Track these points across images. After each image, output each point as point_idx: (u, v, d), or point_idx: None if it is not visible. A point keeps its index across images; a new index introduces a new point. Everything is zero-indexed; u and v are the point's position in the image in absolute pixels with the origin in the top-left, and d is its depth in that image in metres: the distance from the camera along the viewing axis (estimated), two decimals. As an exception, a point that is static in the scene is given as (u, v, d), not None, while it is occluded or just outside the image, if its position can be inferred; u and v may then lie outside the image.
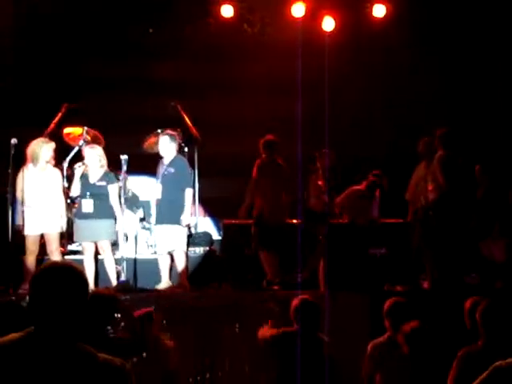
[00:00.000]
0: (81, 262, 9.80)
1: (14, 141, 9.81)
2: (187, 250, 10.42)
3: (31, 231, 9.80)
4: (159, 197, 10.20)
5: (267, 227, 10.58)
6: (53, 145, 10.00)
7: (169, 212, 10.14)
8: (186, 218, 10.15)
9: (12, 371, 3.25)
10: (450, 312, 8.10)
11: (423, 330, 6.48)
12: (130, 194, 10.66)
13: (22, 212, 9.78)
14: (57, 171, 10.03)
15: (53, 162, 9.99)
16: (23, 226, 9.83)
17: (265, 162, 10.77)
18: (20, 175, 9.81)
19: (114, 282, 10.00)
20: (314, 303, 7.18)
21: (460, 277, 10.05)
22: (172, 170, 10.23)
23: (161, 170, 10.30)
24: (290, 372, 6.78)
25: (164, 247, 10.21)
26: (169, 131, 10.51)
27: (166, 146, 10.26)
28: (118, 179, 10.22)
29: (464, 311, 6.30)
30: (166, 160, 10.30)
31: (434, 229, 10.10)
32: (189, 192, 10.25)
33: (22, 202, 9.79)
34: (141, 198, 11.15)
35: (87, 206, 10.02)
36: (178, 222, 10.12)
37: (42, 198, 9.83)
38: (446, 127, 10.38)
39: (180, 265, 10.19)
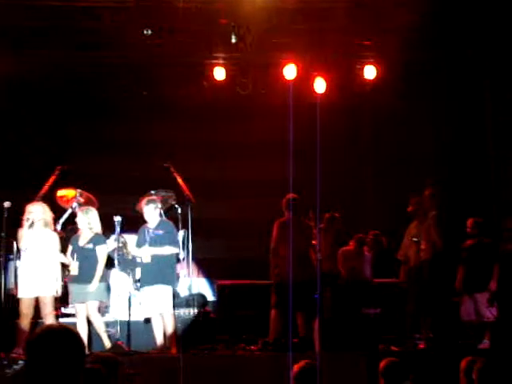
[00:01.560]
0: (74, 324, 9.74)
1: (7, 204, 9.81)
2: (176, 310, 10.40)
3: (25, 294, 9.75)
4: (149, 260, 10.22)
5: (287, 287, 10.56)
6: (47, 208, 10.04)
7: (156, 273, 10.16)
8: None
9: None
10: (446, 372, 8.06)
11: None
12: (129, 257, 10.66)
13: (16, 275, 9.74)
14: (54, 234, 10.01)
15: (52, 225, 10.02)
16: (17, 289, 9.78)
17: (288, 221, 10.77)
18: (18, 236, 9.83)
19: (107, 343, 9.94)
20: (313, 368, 7.12)
21: (455, 336, 10.02)
22: (160, 231, 10.30)
23: (146, 233, 10.34)
24: None
25: (154, 309, 10.18)
26: (151, 197, 10.55)
27: (151, 213, 10.37)
28: (106, 242, 10.22)
29: (460, 371, 6.27)
30: (152, 224, 10.37)
31: (428, 288, 10.10)
32: (173, 250, 10.31)
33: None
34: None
35: (74, 268, 10.03)
36: (165, 282, 10.14)
37: (37, 260, 9.81)
38: (434, 185, 10.47)
39: (169, 326, 10.15)
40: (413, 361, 8.69)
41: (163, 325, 10.19)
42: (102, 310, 10.52)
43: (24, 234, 9.82)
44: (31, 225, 9.83)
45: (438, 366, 8.92)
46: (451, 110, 13.10)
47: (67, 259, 10.08)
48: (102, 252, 10.07)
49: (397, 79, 12.63)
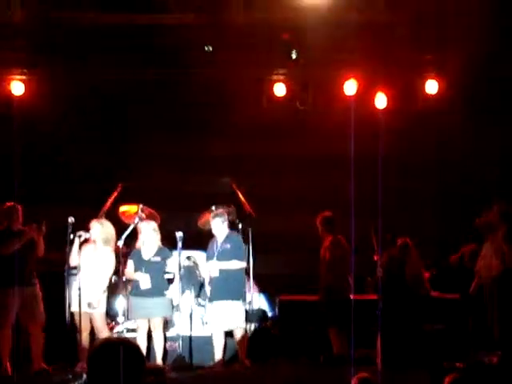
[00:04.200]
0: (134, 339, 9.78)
1: (71, 219, 9.95)
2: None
3: (78, 308, 9.82)
4: (217, 274, 10.23)
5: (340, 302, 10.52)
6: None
7: (226, 288, 10.16)
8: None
9: None
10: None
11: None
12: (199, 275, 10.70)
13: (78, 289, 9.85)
14: (111, 253, 10.10)
15: (113, 242, 10.14)
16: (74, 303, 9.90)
17: (333, 240, 10.74)
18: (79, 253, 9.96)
19: (160, 361, 9.97)
20: (372, 381, 7.05)
21: None
22: (228, 245, 10.32)
23: (215, 247, 10.36)
24: None
25: (222, 324, 10.18)
26: (218, 211, 10.58)
27: (219, 226, 10.41)
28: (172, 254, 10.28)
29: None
30: (220, 238, 10.39)
31: (499, 305, 9.95)
32: (240, 264, 10.29)
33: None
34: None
35: (145, 282, 10.07)
36: (235, 297, 10.14)
37: (91, 276, 9.91)
38: (503, 201, 10.32)
39: (240, 342, 10.15)
40: (480, 377, 8.57)
41: (235, 340, 10.19)
42: (165, 325, 10.54)
43: (82, 250, 9.96)
44: (88, 241, 9.98)
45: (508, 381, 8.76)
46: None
47: (134, 275, 10.17)
48: (171, 265, 10.15)
49: (461, 95, 12.50)
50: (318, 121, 12.86)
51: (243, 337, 10.19)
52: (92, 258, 10.00)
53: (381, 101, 12.42)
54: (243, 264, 10.42)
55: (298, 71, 12.50)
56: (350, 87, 12.31)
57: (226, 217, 10.57)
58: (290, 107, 12.90)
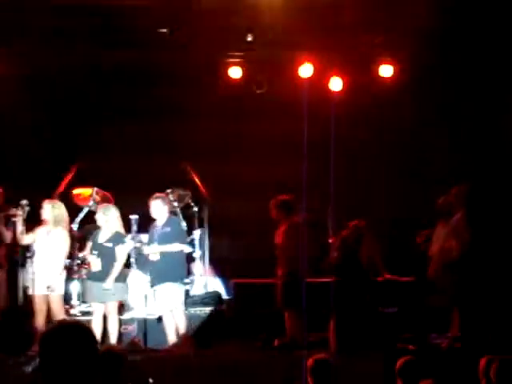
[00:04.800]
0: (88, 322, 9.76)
1: (24, 201, 9.87)
2: (192, 309, 10.41)
3: (35, 291, 9.78)
4: (158, 257, 10.21)
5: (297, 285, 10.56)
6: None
7: (166, 270, 10.15)
8: None
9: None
10: (465, 371, 8.02)
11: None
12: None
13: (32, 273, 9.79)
14: (64, 232, 10.03)
15: (65, 224, 10.06)
16: (30, 286, 9.84)
17: (290, 223, 10.75)
18: (31, 235, 9.90)
19: (113, 342, 9.97)
20: (328, 361, 7.12)
21: (486, 335, 9.94)
22: (168, 229, 10.28)
23: (155, 231, 10.33)
24: None
25: (164, 307, 10.19)
26: (158, 194, 10.52)
27: (159, 209, 10.32)
28: (126, 241, 10.23)
29: (479, 370, 6.24)
30: (160, 221, 10.35)
31: (458, 286, 10.07)
32: (181, 247, 10.32)
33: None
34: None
35: (96, 265, 10.06)
36: (176, 280, 10.14)
37: (46, 258, 9.85)
38: (463, 184, 10.44)
39: (180, 324, 10.16)
40: (434, 360, 8.68)
41: (175, 323, 10.19)
42: (120, 308, 10.52)
43: (36, 232, 9.91)
44: (42, 224, 9.93)
45: (462, 365, 8.86)
46: (468, 110, 13.02)
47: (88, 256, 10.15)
48: (121, 251, 10.09)
49: (413, 78, 12.58)
50: (274, 104, 12.88)
51: (182, 320, 10.17)
52: (45, 239, 9.94)
53: (336, 84, 12.48)
54: (184, 247, 10.42)
55: (253, 54, 12.48)
56: (305, 70, 12.34)
57: (167, 200, 10.52)
58: (247, 90, 12.90)
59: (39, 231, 9.99)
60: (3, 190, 10.43)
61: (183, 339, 10.16)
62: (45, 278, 9.78)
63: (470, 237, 10.00)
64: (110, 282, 9.93)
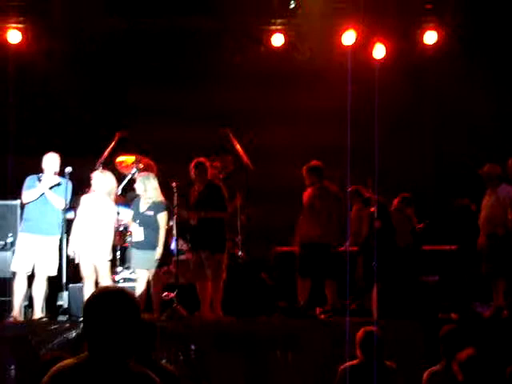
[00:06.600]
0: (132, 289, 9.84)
1: (68, 169, 9.93)
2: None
3: (82, 259, 9.88)
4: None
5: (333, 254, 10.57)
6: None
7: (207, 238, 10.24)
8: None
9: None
10: (507, 340, 8.00)
11: (479, 358, 6.38)
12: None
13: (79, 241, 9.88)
14: (112, 203, 10.08)
15: (113, 194, 10.12)
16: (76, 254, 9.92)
17: (318, 189, 10.72)
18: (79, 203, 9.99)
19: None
20: (377, 334, 7.12)
21: None
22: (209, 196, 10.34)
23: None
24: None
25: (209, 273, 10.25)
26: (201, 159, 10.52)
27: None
28: (167, 208, 10.25)
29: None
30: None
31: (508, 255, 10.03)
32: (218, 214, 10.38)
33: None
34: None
35: (138, 233, 10.11)
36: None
37: (94, 227, 9.92)
38: None
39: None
40: (476, 329, 8.66)
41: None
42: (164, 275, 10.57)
43: (84, 200, 9.98)
44: (87, 191, 9.99)
45: (500, 333, 8.84)
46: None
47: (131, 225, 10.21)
48: (162, 219, 10.12)
49: (458, 45, 12.43)
50: (316, 71, 12.80)
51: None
52: (94, 208, 9.96)
53: (379, 51, 12.36)
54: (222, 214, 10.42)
55: (296, 21, 12.40)
56: (348, 37, 12.24)
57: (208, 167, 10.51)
58: (288, 58, 12.83)
59: (85, 199, 10.02)
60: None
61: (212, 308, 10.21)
62: (94, 246, 9.83)
63: None
64: (159, 251, 9.99)
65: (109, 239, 9.95)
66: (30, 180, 9.90)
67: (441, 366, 6.89)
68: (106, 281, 9.87)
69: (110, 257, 10.00)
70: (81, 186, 10.19)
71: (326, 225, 10.59)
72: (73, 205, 10.03)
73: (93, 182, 10.02)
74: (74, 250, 9.83)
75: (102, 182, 10.00)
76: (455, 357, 6.44)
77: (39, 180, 9.87)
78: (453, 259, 11.03)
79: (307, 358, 9.23)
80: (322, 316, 10.29)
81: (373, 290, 10.17)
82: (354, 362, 7.10)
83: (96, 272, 9.86)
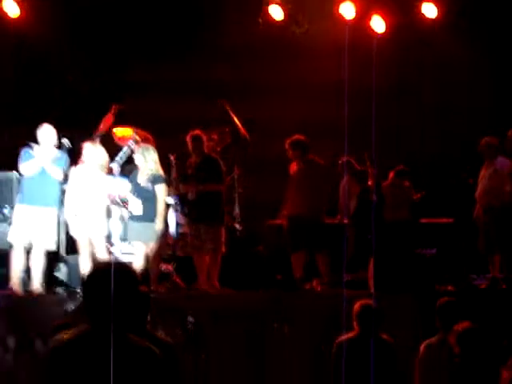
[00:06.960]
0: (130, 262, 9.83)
1: (65, 141, 9.89)
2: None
3: (78, 233, 9.87)
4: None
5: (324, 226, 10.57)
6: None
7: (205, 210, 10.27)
8: None
9: (77, 365, 3.34)
10: (504, 312, 8.03)
11: (475, 331, 6.41)
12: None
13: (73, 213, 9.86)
14: (104, 175, 10.04)
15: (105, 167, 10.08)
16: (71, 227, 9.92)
17: (303, 163, 10.68)
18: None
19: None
20: (374, 307, 7.13)
21: None
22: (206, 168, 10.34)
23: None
24: (359, 375, 6.73)
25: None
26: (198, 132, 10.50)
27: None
28: (166, 181, 10.23)
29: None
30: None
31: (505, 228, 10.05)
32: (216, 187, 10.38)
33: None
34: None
35: (136, 205, 10.08)
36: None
37: (86, 199, 9.91)
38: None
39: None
40: (472, 301, 8.70)
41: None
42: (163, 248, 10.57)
43: (76, 172, 9.92)
44: (77, 164, 9.95)
45: (497, 305, 8.88)
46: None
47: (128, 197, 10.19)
48: (160, 191, 10.05)
49: (458, 18, 12.39)
50: (314, 43, 12.75)
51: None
52: (85, 180, 9.92)
53: (377, 24, 12.30)
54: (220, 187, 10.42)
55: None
56: (347, 10, 12.17)
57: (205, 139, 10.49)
58: (286, 30, 12.78)
59: (76, 170, 9.96)
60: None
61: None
62: (87, 219, 9.82)
63: None
64: (159, 224, 9.97)
65: (102, 212, 9.93)
66: (26, 152, 9.84)
67: (437, 339, 6.93)
68: (101, 254, 9.87)
69: (106, 232, 9.99)
70: (78, 157, 10.16)
71: (313, 198, 10.56)
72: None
73: (84, 153, 9.94)
74: (68, 220, 9.84)
75: (93, 153, 9.94)
76: (452, 329, 6.49)
77: (32, 150, 9.79)
78: (450, 232, 11.04)
79: (304, 331, 9.28)
80: (319, 288, 10.31)
81: (369, 264, 10.19)
82: (351, 334, 7.12)
83: (91, 244, 9.85)
